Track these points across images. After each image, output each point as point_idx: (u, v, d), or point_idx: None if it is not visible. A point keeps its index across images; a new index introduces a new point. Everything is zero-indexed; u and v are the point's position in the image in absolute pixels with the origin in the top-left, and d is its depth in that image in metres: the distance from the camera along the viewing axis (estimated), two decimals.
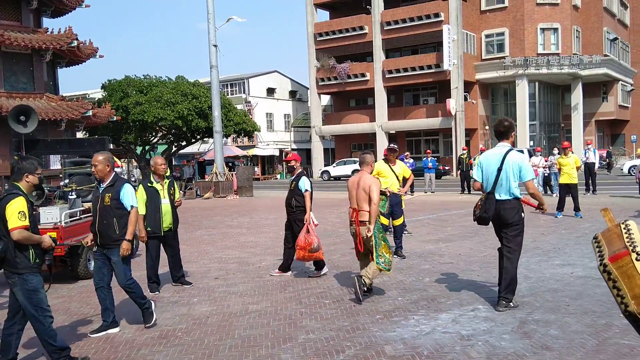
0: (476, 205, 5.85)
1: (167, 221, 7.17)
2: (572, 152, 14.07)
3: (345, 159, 39.27)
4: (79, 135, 28.69)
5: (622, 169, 29.84)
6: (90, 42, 21.40)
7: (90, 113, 20.77)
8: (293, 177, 7.95)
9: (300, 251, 7.43)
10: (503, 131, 5.89)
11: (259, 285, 7.38)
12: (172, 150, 34.32)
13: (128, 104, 29.19)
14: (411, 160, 21.75)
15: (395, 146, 9.31)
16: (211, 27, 24.79)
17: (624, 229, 2.17)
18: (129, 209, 5.47)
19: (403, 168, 9.05)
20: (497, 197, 5.68)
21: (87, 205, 8.94)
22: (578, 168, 13.88)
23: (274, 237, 11.83)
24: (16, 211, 4.28)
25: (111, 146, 36.60)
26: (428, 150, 26.39)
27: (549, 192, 18.85)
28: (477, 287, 6.72)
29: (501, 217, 5.71)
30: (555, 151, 19.06)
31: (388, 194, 7.86)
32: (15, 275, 4.39)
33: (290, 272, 7.95)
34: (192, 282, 7.69)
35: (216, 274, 8.27)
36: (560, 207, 13.55)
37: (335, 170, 38.66)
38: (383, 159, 8.96)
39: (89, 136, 30.37)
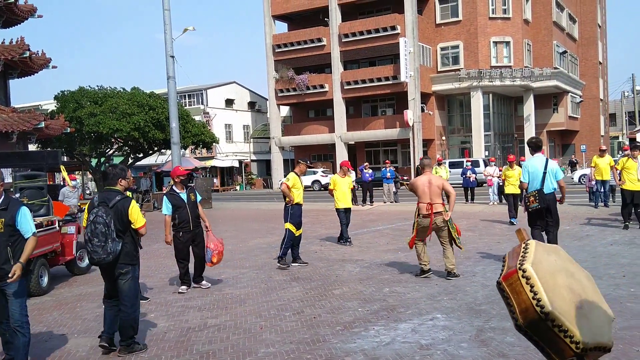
0: (529, 200, 7.99)
1: None
2: (517, 165, 14.85)
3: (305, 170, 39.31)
4: (32, 147, 27.85)
5: (572, 178, 30.77)
6: (42, 53, 20.85)
7: (42, 125, 20.17)
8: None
9: (218, 255, 7.95)
10: (539, 145, 8.29)
11: (217, 299, 7.29)
12: (129, 162, 33.67)
13: (82, 115, 28.53)
14: (370, 171, 21.93)
15: (308, 162, 9.80)
16: (168, 38, 24.50)
17: (523, 247, 2.28)
18: (27, 236, 4.66)
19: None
20: (545, 191, 7.87)
21: (39, 219, 8.68)
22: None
23: (233, 250, 11.72)
24: (138, 210, 5.25)
25: (65, 158, 35.71)
26: (387, 161, 26.67)
27: (504, 201, 19.25)
28: (435, 296, 6.80)
29: (548, 205, 7.94)
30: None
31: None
32: (129, 266, 5.20)
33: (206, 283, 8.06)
34: (149, 297, 7.55)
35: (174, 288, 8.13)
36: (513, 214, 14.18)
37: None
38: (294, 172, 9.39)
39: (42, 148, 29.55)
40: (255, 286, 7.98)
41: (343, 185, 11.59)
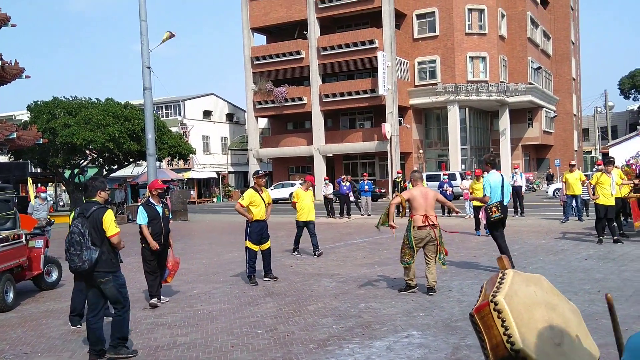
0: (491, 210, 8.76)
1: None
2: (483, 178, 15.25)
3: (283, 182, 39.12)
4: (3, 159, 27.25)
5: (547, 192, 31.13)
6: (16, 62, 20.42)
7: (14, 135, 19.72)
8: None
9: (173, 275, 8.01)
10: (496, 162, 9.52)
11: (189, 316, 7.10)
12: (103, 174, 33.14)
13: (56, 126, 28.03)
14: (347, 184, 21.85)
15: (262, 172, 9.62)
16: (144, 49, 24.27)
17: (500, 277, 2.12)
18: None
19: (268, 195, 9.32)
20: (505, 203, 8.91)
21: (5, 233, 8.41)
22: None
23: (207, 264, 11.52)
24: (112, 220, 5.41)
25: (37, 170, 35.03)
26: (365, 174, 26.66)
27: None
28: (411, 312, 6.71)
29: (506, 215, 9.00)
30: (486, 174, 19.60)
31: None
32: (109, 274, 5.38)
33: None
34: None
35: (144, 304, 7.91)
36: (477, 226, 14.86)
37: (273, 193, 38.39)
38: (251, 188, 9.25)
39: (14, 159, 28.94)
40: (228, 302, 7.81)
41: (306, 198, 11.92)
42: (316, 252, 11.86)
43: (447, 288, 7.93)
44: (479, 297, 2.15)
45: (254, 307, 7.41)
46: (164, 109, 50.07)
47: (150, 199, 7.80)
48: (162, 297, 8.00)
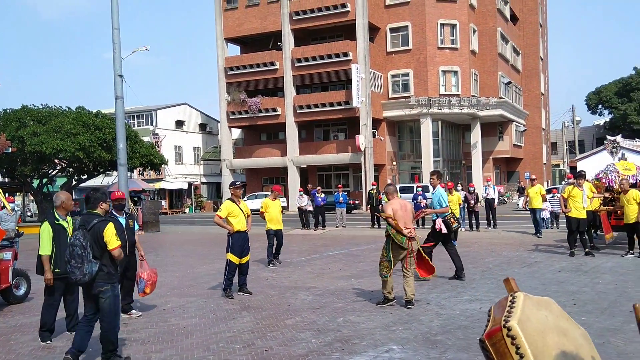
0: (450, 221, 9.52)
1: None
2: (456, 190, 16.45)
3: (256, 193, 38.90)
4: None
5: (518, 204, 31.58)
6: None
7: None
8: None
9: (152, 286, 7.75)
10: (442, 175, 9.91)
11: (163, 331, 6.92)
12: (73, 184, 32.49)
13: (24, 135, 27.41)
14: (322, 195, 21.82)
15: (239, 182, 9.56)
16: (117, 57, 23.90)
17: (510, 301, 2.06)
18: None
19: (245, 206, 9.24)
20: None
21: None
22: (459, 204, 16.23)
23: (181, 277, 11.32)
24: (113, 233, 5.43)
25: (5, 179, 34.16)
26: (339, 185, 26.67)
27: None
28: (390, 325, 6.66)
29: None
30: (459, 187, 19.82)
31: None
32: (108, 284, 5.44)
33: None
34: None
35: (123, 321, 7.68)
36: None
37: (246, 204, 38.07)
38: (229, 199, 9.12)
39: None
40: (203, 316, 7.65)
41: (274, 208, 12.25)
42: (276, 260, 12.43)
43: (425, 301, 7.92)
44: (488, 321, 2.08)
45: (231, 321, 7.27)
46: (135, 118, 49.47)
47: (113, 211, 7.63)
48: (134, 311, 7.84)
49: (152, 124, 49.04)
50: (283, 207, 24.99)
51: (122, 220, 7.55)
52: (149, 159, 32.01)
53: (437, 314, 7.11)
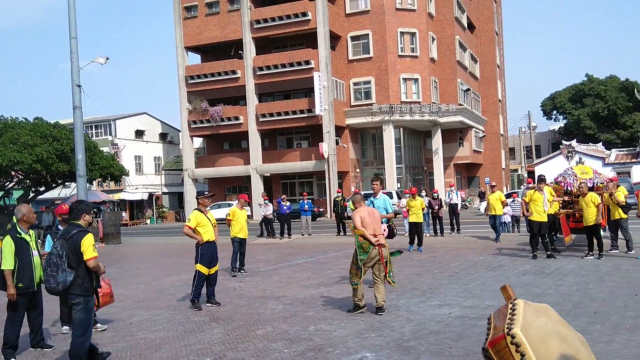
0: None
1: (38, 275, 6.51)
2: (420, 196, 16.85)
3: (219, 202, 38.50)
4: None
5: (479, 209, 32.12)
6: None
7: None
8: None
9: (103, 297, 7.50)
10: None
11: (130, 345, 6.75)
12: (30, 196, 31.51)
13: None
14: (288, 203, 21.76)
15: (207, 192, 9.42)
16: (74, 67, 23.34)
17: (510, 308, 2.08)
18: None
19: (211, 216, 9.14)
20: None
21: None
22: (423, 209, 16.46)
23: (146, 289, 11.08)
24: (91, 244, 5.41)
25: None
26: (304, 193, 26.64)
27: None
28: (362, 333, 6.66)
29: None
30: (423, 193, 20.03)
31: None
32: (81, 297, 5.39)
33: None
34: (54, 344, 6.88)
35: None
36: (412, 242, 15.62)
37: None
38: (196, 209, 9.01)
39: None
40: (171, 329, 7.50)
41: (241, 216, 12.36)
42: (241, 270, 12.51)
43: (395, 307, 7.95)
44: (488, 330, 2.09)
45: (200, 333, 7.15)
46: (94, 129, 48.47)
47: (59, 225, 7.50)
48: (98, 325, 7.66)
49: (111, 134, 48.11)
50: (247, 216, 24.93)
51: None
52: (108, 170, 31.31)
53: (408, 320, 7.15)
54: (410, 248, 15.43)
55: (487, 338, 2.02)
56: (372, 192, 10.05)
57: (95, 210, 30.10)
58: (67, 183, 32.37)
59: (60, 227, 7.51)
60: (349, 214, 14.69)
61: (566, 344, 1.98)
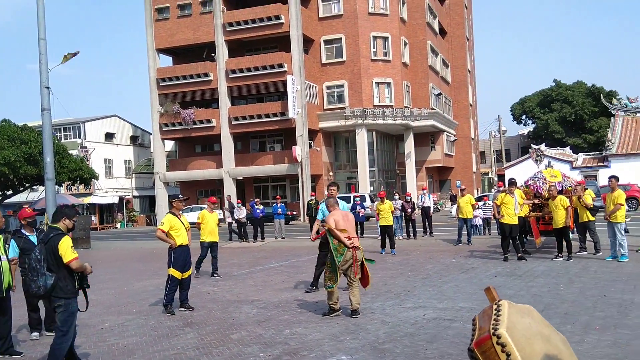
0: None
1: (6, 281, 6.40)
2: (393, 200, 17.20)
3: (191, 206, 38.12)
4: None
5: (451, 212, 32.48)
6: None
7: None
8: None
9: None
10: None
11: (102, 351, 6.64)
12: None
13: None
14: (261, 207, 21.67)
15: (181, 196, 9.46)
16: (43, 68, 22.89)
17: (495, 309, 2.10)
18: None
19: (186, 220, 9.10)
20: None
21: None
22: (393, 212, 16.44)
23: (117, 294, 10.91)
24: (69, 246, 5.42)
25: None
26: (277, 196, 26.57)
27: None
28: (338, 336, 6.66)
29: None
30: (397, 196, 20.14)
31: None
32: (62, 299, 5.43)
33: None
34: (23, 351, 6.73)
35: (50, 339, 7.30)
36: (383, 245, 15.76)
37: None
38: (170, 212, 8.89)
39: None
40: (144, 334, 7.39)
41: (211, 220, 12.38)
42: (215, 274, 12.55)
43: (370, 310, 7.98)
44: (473, 331, 2.10)
45: (173, 338, 7.06)
46: (62, 131, 47.56)
47: (23, 229, 7.38)
48: (34, 334, 7.55)
49: (80, 137, 47.30)
50: (220, 220, 24.82)
51: (34, 239, 7.34)
52: (77, 173, 30.82)
53: (382, 323, 7.17)
54: (382, 251, 15.53)
55: (472, 339, 2.04)
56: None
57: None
58: (35, 186, 31.75)
59: (24, 231, 7.39)
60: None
61: (549, 344, 2.02)
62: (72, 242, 5.57)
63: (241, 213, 21.27)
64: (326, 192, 9.53)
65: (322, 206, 9.49)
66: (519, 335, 1.94)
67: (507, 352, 1.89)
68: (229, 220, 21.80)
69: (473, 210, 17.14)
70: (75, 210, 5.98)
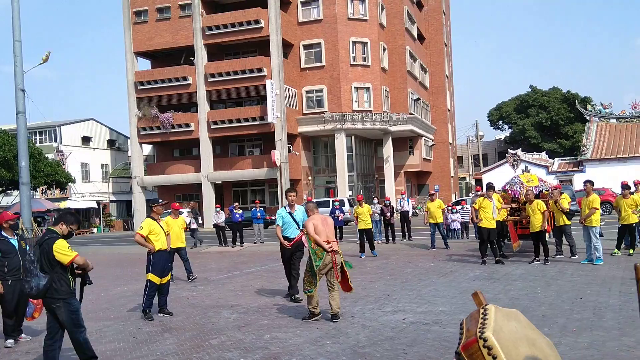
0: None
1: None
2: (372, 204, 17.41)
3: (169, 210, 37.76)
4: None
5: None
6: None
7: None
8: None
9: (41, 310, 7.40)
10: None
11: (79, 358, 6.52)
12: None
13: None
14: (240, 211, 21.58)
15: (162, 200, 9.43)
16: (18, 71, 22.52)
17: (482, 313, 2.13)
18: None
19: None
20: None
21: None
22: (371, 215, 16.49)
23: (95, 300, 10.75)
24: (66, 246, 5.52)
25: None
26: (257, 201, 26.48)
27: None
28: (318, 340, 6.66)
29: None
30: (376, 201, 20.23)
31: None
32: (60, 300, 5.53)
33: None
34: None
35: (27, 347, 7.19)
36: (362, 249, 15.80)
37: None
38: (150, 217, 8.88)
39: None
40: (122, 340, 7.30)
41: (175, 225, 12.34)
42: (190, 277, 12.57)
43: (350, 314, 7.99)
44: (461, 334, 2.13)
45: (152, 344, 6.99)
46: (38, 135, 46.84)
47: (2, 232, 7.35)
48: (23, 335, 7.56)
49: (56, 141, 46.62)
50: (199, 225, 24.59)
51: (14, 242, 7.36)
52: (53, 177, 30.40)
53: (362, 327, 7.19)
54: (362, 255, 15.59)
55: (459, 342, 2.07)
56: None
57: (39, 219, 29.08)
58: (9, 191, 31.17)
59: (4, 234, 7.33)
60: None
61: (535, 348, 2.05)
62: (67, 243, 5.63)
63: (220, 218, 21.13)
64: (286, 199, 9.46)
65: (297, 214, 9.47)
66: (505, 338, 1.97)
67: (493, 354, 1.92)
68: (194, 226, 21.60)
69: (442, 215, 17.21)
70: (76, 217, 5.99)
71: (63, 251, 5.50)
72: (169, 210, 12.85)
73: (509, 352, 1.94)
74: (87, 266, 5.74)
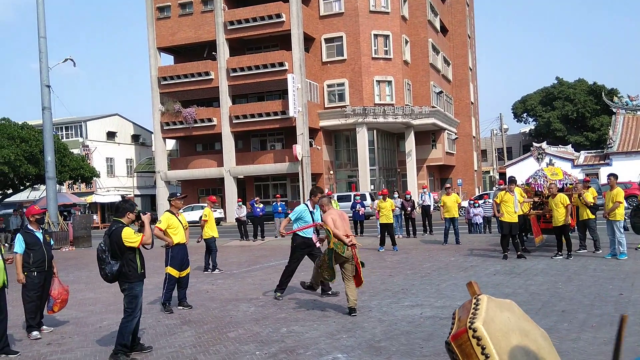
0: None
1: (1, 279, 6.46)
2: (389, 198, 16.92)
3: (193, 205, 38.18)
4: None
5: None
6: None
7: None
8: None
9: (61, 304, 7.73)
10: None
11: (98, 350, 6.65)
12: None
13: None
14: (261, 205, 21.69)
15: (179, 194, 9.36)
16: (44, 67, 22.99)
17: (474, 303, 2.10)
18: None
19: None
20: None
21: None
22: (393, 210, 16.35)
23: (116, 292, 10.89)
24: (132, 232, 6.05)
25: None
26: (278, 195, 26.58)
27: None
28: (334, 334, 6.66)
29: None
30: (396, 195, 20.15)
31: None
32: (127, 283, 6.09)
33: None
34: (19, 350, 6.73)
35: (49, 338, 7.33)
36: (382, 243, 15.92)
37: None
38: (168, 211, 8.90)
39: None
40: (142, 332, 7.38)
41: (213, 217, 12.97)
42: (214, 269, 13.05)
43: (367, 308, 7.98)
44: (452, 324, 2.11)
45: (171, 336, 7.07)
46: (64, 130, 47.64)
47: (29, 225, 7.64)
48: (44, 327, 7.69)
49: (81, 136, 47.37)
50: (220, 219, 24.86)
51: (39, 235, 7.58)
52: (79, 172, 30.86)
53: (379, 321, 7.17)
54: (381, 249, 15.58)
55: (450, 332, 2.05)
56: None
57: (65, 213, 29.61)
58: (36, 185, 31.79)
59: (31, 227, 7.56)
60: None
61: (528, 339, 2.03)
62: (133, 231, 6.14)
63: (241, 212, 21.27)
64: (311, 198, 9.45)
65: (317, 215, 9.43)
66: (495, 329, 1.95)
67: (482, 345, 1.90)
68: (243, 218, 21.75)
69: (458, 210, 16.95)
70: (132, 203, 6.56)
71: (131, 238, 6.01)
72: (192, 205, 13.20)
73: (499, 343, 1.92)
74: (148, 242, 6.24)
